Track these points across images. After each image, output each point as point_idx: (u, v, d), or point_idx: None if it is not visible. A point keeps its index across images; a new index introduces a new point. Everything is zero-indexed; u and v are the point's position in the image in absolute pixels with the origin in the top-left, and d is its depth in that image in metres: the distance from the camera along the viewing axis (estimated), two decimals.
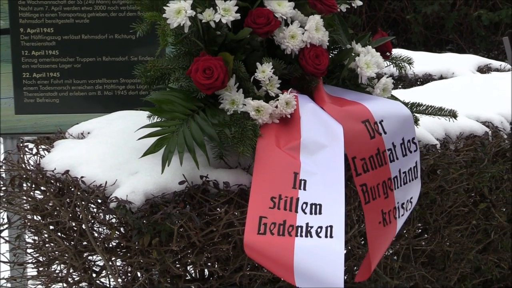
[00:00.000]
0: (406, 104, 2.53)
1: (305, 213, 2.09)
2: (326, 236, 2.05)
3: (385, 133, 2.35)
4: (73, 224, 2.29)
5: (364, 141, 2.29)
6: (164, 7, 2.27)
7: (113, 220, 2.21)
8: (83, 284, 2.43)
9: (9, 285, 3.63)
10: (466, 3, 12.07)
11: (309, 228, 2.07)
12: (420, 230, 2.91)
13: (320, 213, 2.09)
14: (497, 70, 5.20)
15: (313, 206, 2.11)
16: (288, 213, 2.10)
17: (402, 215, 2.42)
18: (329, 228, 2.06)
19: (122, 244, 2.24)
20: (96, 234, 2.26)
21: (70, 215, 2.25)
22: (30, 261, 2.56)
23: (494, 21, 11.69)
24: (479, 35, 11.99)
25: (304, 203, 2.11)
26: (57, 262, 2.45)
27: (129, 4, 3.61)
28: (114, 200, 2.10)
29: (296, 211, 2.10)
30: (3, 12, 3.75)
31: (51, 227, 2.37)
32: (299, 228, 2.07)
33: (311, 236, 2.06)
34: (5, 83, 3.77)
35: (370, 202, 2.29)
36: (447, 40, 12.42)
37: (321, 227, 2.07)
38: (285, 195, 2.12)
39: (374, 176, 2.30)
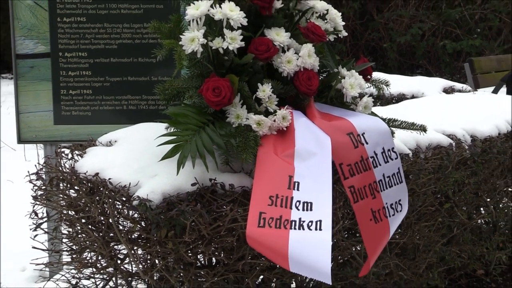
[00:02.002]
0: (383, 119, 2.52)
1: (298, 209, 2.08)
2: (316, 229, 2.04)
3: (367, 143, 2.33)
4: (102, 219, 2.28)
5: (349, 150, 2.28)
6: (180, 36, 2.26)
7: (135, 216, 2.20)
8: (110, 269, 2.42)
9: (47, 269, 3.63)
10: (434, 34, 12.11)
11: (301, 222, 2.06)
12: None
13: (311, 209, 2.08)
14: (459, 91, 5.19)
15: (305, 204, 2.09)
16: (284, 210, 2.08)
17: (393, 215, 2.39)
18: (318, 222, 2.05)
19: (142, 236, 2.22)
20: (121, 227, 2.25)
21: (99, 211, 2.24)
22: (65, 249, 2.55)
23: (457, 50, 11.74)
24: (444, 61, 12.04)
25: (298, 201, 2.10)
26: (88, 250, 2.44)
27: (151, 33, 3.60)
28: (137, 198, 2.09)
29: (291, 208, 2.09)
30: (45, 39, 3.76)
31: (83, 220, 2.35)
32: (293, 222, 2.06)
33: (303, 229, 2.04)
34: (46, 98, 3.79)
35: (359, 202, 2.27)
36: (418, 65, 12.46)
37: (312, 221, 2.06)
38: (281, 195, 2.11)
39: (361, 179, 2.29)
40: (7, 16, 3.96)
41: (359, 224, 2.27)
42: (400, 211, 2.45)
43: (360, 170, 2.29)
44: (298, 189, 2.12)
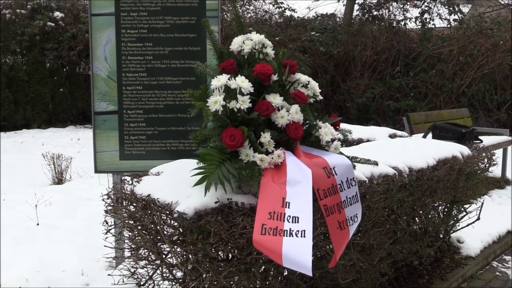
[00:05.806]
0: (348, 157, 2.50)
1: (289, 222, 2.06)
2: (301, 236, 2.02)
3: (336, 174, 2.32)
4: (152, 226, 2.26)
5: (324, 180, 2.26)
6: (207, 99, 2.27)
7: (175, 224, 2.18)
8: (157, 261, 2.39)
9: (114, 261, 3.59)
10: (381, 97, 12.16)
11: (291, 231, 2.03)
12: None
13: (298, 222, 2.06)
14: (400, 136, 5.19)
15: (294, 218, 2.07)
16: (279, 222, 2.06)
17: (352, 224, 2.37)
18: (303, 232, 2.03)
19: (180, 238, 2.20)
20: (165, 232, 2.22)
21: (150, 220, 2.22)
22: (126, 247, 2.53)
23: (397, 107, 11.78)
24: (389, 115, 12.05)
25: (289, 216, 2.07)
26: (142, 248, 2.41)
27: (187, 97, 3.62)
28: (176, 212, 2.08)
29: (284, 221, 2.06)
30: (114, 101, 3.79)
31: (139, 227, 2.33)
32: (285, 231, 2.03)
33: (292, 236, 2.02)
34: (114, 142, 3.80)
35: (330, 216, 2.25)
36: (370, 118, 12.46)
37: (298, 231, 2.03)
38: (277, 211, 2.09)
39: (331, 200, 2.27)
40: (89, 86, 4.00)
41: (330, 231, 2.26)
42: (356, 221, 2.43)
43: (331, 193, 2.28)
44: (289, 207, 2.10)
